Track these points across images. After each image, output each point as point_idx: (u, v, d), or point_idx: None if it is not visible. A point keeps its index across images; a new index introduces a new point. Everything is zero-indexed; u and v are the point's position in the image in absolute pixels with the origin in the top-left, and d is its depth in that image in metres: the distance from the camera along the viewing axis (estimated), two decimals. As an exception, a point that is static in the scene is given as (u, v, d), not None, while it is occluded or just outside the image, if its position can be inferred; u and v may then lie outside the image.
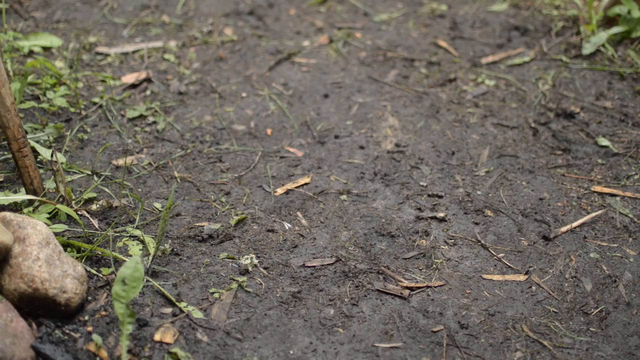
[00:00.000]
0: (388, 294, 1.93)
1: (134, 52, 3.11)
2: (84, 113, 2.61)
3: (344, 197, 2.28)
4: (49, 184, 2.12)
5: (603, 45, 3.16)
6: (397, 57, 3.18)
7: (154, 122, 2.62)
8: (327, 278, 1.97)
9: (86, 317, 1.78)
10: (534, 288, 1.97)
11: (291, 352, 1.75)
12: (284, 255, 2.04)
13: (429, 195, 2.31)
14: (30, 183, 2.06)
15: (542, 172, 2.44)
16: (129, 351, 1.69)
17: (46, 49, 3.02)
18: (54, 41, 2.98)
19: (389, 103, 2.83)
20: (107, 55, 3.07)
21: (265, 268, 1.98)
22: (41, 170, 2.23)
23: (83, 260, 1.93)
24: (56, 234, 1.95)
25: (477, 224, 2.20)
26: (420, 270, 2.02)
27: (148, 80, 2.89)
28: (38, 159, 2.29)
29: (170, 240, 2.07)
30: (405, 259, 2.05)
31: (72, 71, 2.83)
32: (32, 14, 3.35)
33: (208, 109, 2.73)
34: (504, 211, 2.26)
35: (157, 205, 2.20)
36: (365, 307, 1.88)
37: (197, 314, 1.81)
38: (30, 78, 2.69)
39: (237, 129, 2.63)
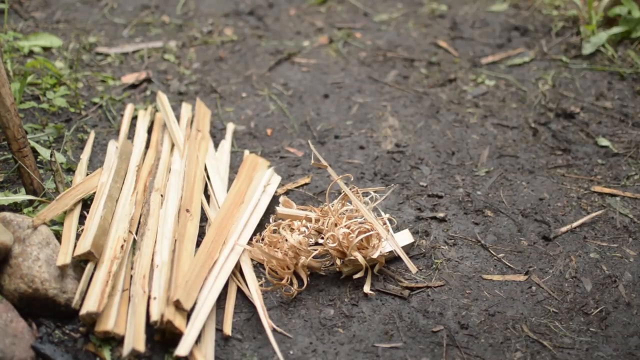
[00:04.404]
0: (388, 294, 1.93)
1: (134, 52, 3.11)
2: (84, 113, 2.61)
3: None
4: (49, 184, 2.12)
5: (603, 46, 3.16)
6: (397, 57, 3.18)
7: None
8: (327, 278, 1.97)
9: (86, 317, 1.78)
10: (534, 288, 1.97)
11: (291, 352, 1.75)
12: (284, 256, 2.04)
13: (429, 196, 2.31)
14: (30, 183, 2.06)
15: (542, 172, 2.44)
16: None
17: (46, 49, 3.02)
18: (54, 41, 2.98)
19: (389, 103, 2.83)
20: (107, 55, 3.07)
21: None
22: (41, 171, 2.23)
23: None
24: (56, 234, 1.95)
25: (477, 224, 2.20)
26: (421, 270, 2.02)
27: (148, 80, 2.89)
28: (38, 159, 2.29)
29: (170, 241, 2.07)
30: (405, 259, 2.05)
31: (72, 71, 2.83)
32: (32, 14, 3.35)
33: (208, 109, 2.72)
34: (504, 211, 2.26)
35: (157, 205, 2.20)
36: (365, 307, 1.88)
37: (197, 314, 1.81)
38: (30, 78, 2.69)
39: (237, 129, 2.63)
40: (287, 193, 2.30)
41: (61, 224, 1.96)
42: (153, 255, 1.86)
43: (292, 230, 2.02)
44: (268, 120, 2.70)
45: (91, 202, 2.03)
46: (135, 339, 1.65)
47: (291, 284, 1.92)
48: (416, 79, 3.01)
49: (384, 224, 2.04)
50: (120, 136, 2.41)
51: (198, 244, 2.00)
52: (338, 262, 1.93)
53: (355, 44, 3.28)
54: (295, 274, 1.96)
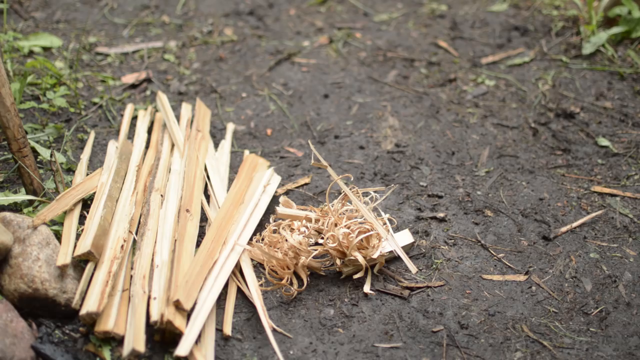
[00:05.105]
0: (388, 294, 1.93)
1: (134, 52, 3.11)
2: (84, 113, 2.61)
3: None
4: (49, 184, 2.12)
5: (603, 46, 3.16)
6: (397, 57, 3.18)
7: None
8: (327, 278, 1.97)
9: (86, 317, 1.78)
10: (534, 288, 1.97)
11: (291, 352, 1.75)
12: (284, 256, 2.04)
13: (429, 195, 2.31)
14: (30, 183, 2.06)
15: (542, 172, 2.44)
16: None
17: (46, 49, 3.02)
18: (54, 41, 2.98)
19: (389, 103, 2.83)
20: (107, 55, 3.07)
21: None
22: (41, 171, 2.23)
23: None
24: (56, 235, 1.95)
25: (477, 224, 2.20)
26: (420, 270, 2.02)
27: (148, 80, 2.89)
28: (38, 159, 2.30)
29: (170, 241, 2.07)
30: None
31: (72, 71, 2.83)
32: (32, 14, 3.35)
33: (208, 109, 2.72)
34: (504, 211, 2.26)
35: (157, 205, 2.20)
36: (365, 307, 1.88)
37: (197, 314, 1.81)
38: (30, 78, 2.69)
39: (237, 129, 2.63)
40: (287, 193, 2.30)
41: (61, 224, 1.96)
42: (153, 255, 1.86)
43: (292, 230, 2.02)
44: (268, 120, 2.70)
45: (91, 202, 2.03)
46: (135, 339, 1.65)
47: (291, 284, 1.92)
48: (416, 79, 3.01)
49: (384, 224, 2.04)
50: (120, 136, 2.41)
51: (198, 244, 2.00)
52: (338, 262, 1.93)
53: (355, 44, 3.28)
54: (295, 274, 1.96)
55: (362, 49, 3.25)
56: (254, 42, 3.26)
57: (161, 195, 2.07)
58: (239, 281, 1.91)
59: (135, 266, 1.84)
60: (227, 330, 1.77)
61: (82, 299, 1.74)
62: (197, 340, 1.71)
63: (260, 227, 2.11)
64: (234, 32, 3.34)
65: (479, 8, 3.67)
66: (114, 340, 1.72)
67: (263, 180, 2.21)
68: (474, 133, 2.65)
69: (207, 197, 2.21)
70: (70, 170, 2.29)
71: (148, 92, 2.80)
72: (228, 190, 2.22)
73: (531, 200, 2.30)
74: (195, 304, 1.77)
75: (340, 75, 3.02)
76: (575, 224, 2.19)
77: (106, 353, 1.68)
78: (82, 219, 2.01)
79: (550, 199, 2.31)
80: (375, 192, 2.14)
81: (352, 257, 1.91)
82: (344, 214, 2.00)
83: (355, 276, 1.93)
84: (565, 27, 3.42)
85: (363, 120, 2.71)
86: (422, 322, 1.85)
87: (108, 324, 1.68)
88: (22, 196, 2.01)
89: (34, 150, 2.27)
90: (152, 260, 1.85)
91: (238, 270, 1.95)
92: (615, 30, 3.16)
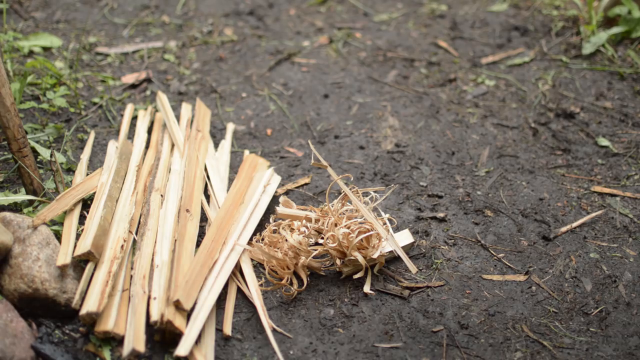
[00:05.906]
0: (388, 294, 1.93)
1: (134, 52, 3.11)
2: (84, 113, 2.61)
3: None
4: (49, 184, 2.12)
5: (603, 46, 3.16)
6: (397, 57, 3.18)
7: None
8: (327, 278, 1.97)
9: (86, 317, 1.78)
10: (534, 288, 1.97)
11: (291, 352, 1.75)
12: (284, 256, 2.04)
13: (429, 195, 2.31)
14: (30, 183, 2.06)
15: (542, 172, 2.44)
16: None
17: (46, 49, 3.02)
18: (54, 41, 2.98)
19: (389, 103, 2.83)
20: (107, 55, 3.07)
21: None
22: (41, 171, 2.23)
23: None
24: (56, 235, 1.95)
25: (477, 224, 2.20)
26: (420, 270, 2.02)
27: (148, 80, 2.89)
28: (38, 159, 2.30)
29: (170, 241, 2.07)
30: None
31: (72, 71, 2.83)
32: (32, 14, 3.35)
33: (208, 109, 2.72)
34: (504, 211, 2.26)
35: (157, 205, 2.19)
36: (365, 307, 1.88)
37: (197, 314, 1.81)
38: (30, 78, 2.69)
39: (237, 129, 2.63)
40: (287, 193, 2.30)
41: (61, 224, 1.96)
42: (153, 255, 1.86)
43: (292, 230, 2.02)
44: (268, 120, 2.70)
45: (91, 202, 2.03)
46: (135, 339, 1.65)
47: (291, 284, 1.92)
48: (416, 79, 3.01)
49: (384, 224, 2.04)
50: (120, 136, 2.41)
51: (198, 244, 2.00)
52: (338, 262, 1.93)
53: (355, 44, 3.28)
54: (295, 274, 1.96)
55: (362, 49, 3.25)
56: (254, 42, 3.26)
57: (161, 195, 2.07)
58: (239, 281, 1.92)
59: (135, 266, 1.84)
60: (227, 330, 1.77)
61: (82, 299, 1.74)
62: (197, 340, 1.71)
63: (260, 227, 2.11)
64: (234, 32, 3.33)
65: (479, 8, 3.67)
66: (114, 340, 1.72)
67: (263, 180, 2.21)
68: (474, 133, 2.65)
69: (207, 197, 2.21)
70: (70, 170, 2.29)
71: (148, 92, 2.80)
72: (228, 190, 2.22)
73: (531, 200, 2.30)
74: (195, 304, 1.77)
75: (340, 75, 3.02)
76: (575, 224, 2.19)
77: (106, 353, 1.69)
78: (82, 219, 2.01)
79: (550, 199, 2.31)
80: (375, 192, 2.14)
81: (352, 257, 1.91)
82: (344, 214, 2.00)
83: (355, 276, 1.93)
84: (565, 27, 3.42)
85: (363, 120, 2.71)
86: (422, 322, 1.85)
87: (108, 324, 1.68)
88: (22, 196, 2.01)
89: (34, 150, 2.27)
90: (152, 260, 1.85)
91: (238, 270, 1.95)
92: (615, 30, 3.16)
